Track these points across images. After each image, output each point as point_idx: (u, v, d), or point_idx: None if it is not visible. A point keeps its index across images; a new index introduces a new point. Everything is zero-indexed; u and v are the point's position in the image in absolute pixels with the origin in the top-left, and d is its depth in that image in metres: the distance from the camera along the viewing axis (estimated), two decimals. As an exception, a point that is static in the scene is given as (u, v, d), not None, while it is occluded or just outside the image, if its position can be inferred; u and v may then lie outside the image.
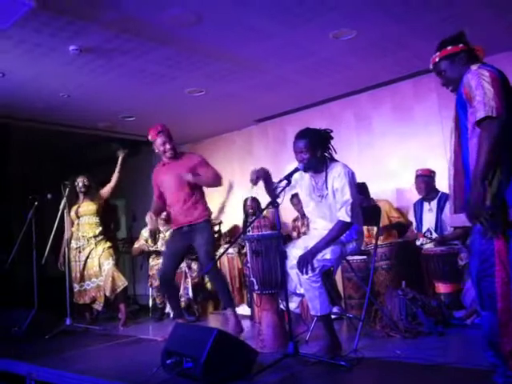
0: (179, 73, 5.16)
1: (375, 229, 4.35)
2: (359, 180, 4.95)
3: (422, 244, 4.88)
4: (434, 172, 5.01)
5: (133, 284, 7.53)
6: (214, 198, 6.59)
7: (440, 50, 2.58)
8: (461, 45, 2.54)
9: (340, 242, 3.44)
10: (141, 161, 8.87)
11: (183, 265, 5.67)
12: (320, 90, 6.04)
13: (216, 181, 4.39)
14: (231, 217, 6.94)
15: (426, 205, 5.02)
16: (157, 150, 4.47)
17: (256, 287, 3.79)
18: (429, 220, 4.95)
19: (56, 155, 8.58)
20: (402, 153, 5.92)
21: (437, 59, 2.59)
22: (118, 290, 5.44)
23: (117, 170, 5.67)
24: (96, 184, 5.82)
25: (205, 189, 4.55)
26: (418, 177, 5.06)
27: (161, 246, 6.12)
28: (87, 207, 5.61)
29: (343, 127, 6.29)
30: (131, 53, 4.56)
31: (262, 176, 3.50)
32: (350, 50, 4.88)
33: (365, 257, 4.69)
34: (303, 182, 3.63)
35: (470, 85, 2.33)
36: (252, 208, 6.16)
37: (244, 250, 5.79)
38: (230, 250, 5.98)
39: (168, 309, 5.81)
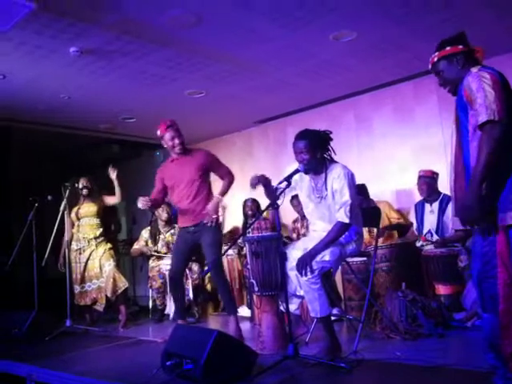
0: (180, 74, 5.17)
1: (376, 230, 4.35)
2: (359, 181, 4.97)
3: (422, 245, 4.88)
4: (436, 174, 5.01)
5: (133, 285, 7.53)
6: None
7: (439, 50, 2.58)
8: (460, 46, 2.53)
9: (339, 244, 3.44)
10: (141, 162, 8.90)
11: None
12: (320, 91, 6.05)
13: (232, 181, 4.43)
14: (231, 218, 6.94)
15: (427, 206, 5.02)
16: (165, 146, 4.41)
17: (256, 289, 3.78)
18: (430, 222, 4.95)
19: (56, 157, 8.58)
20: (403, 154, 5.93)
21: (435, 59, 2.58)
22: (119, 292, 5.43)
23: (116, 189, 5.60)
24: (98, 186, 5.81)
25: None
26: (420, 178, 5.06)
27: (161, 247, 6.12)
28: (88, 209, 5.61)
29: (343, 129, 6.29)
30: (132, 54, 4.57)
31: (262, 182, 3.50)
32: (350, 52, 4.88)
33: (365, 258, 4.69)
34: (303, 184, 3.64)
35: (470, 87, 2.33)
36: (252, 210, 6.15)
37: (244, 252, 5.79)
38: (230, 252, 5.98)
39: (168, 310, 5.81)
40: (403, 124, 5.97)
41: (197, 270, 5.81)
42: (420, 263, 4.67)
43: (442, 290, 4.49)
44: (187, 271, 5.75)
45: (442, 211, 4.87)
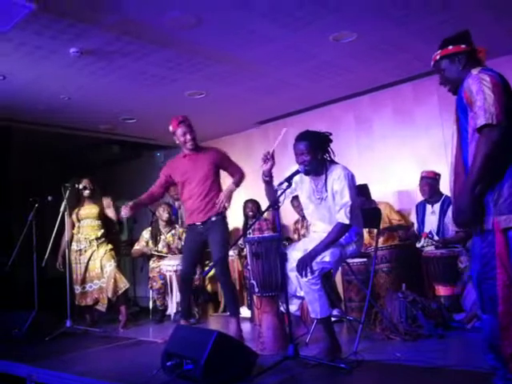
0: (180, 75, 5.17)
1: (376, 231, 4.35)
2: (360, 182, 4.97)
3: (422, 246, 4.88)
4: (438, 175, 5.01)
5: (133, 286, 7.53)
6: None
7: (442, 48, 2.57)
8: (463, 45, 2.51)
9: (339, 245, 3.44)
10: (141, 163, 8.90)
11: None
12: (320, 92, 6.05)
13: (243, 177, 4.40)
14: (231, 219, 6.92)
15: (428, 207, 5.02)
16: (177, 141, 4.37)
17: (256, 289, 3.79)
18: (431, 223, 4.96)
19: (56, 157, 8.58)
20: (403, 155, 5.93)
21: (437, 57, 2.58)
22: (120, 292, 5.43)
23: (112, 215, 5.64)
24: (100, 188, 5.80)
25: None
26: (422, 178, 5.06)
27: (162, 247, 6.12)
28: (90, 210, 5.59)
29: (344, 130, 6.30)
30: (132, 55, 4.57)
31: (272, 163, 3.48)
32: (350, 53, 4.89)
33: (365, 259, 4.69)
34: (303, 185, 3.64)
35: (470, 90, 2.32)
36: (252, 211, 6.16)
37: (244, 253, 5.80)
38: (230, 253, 5.97)
39: (168, 311, 5.81)
40: (403, 125, 5.97)
41: (197, 271, 5.80)
42: (420, 264, 4.67)
43: (441, 290, 4.49)
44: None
45: (443, 213, 4.87)
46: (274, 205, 3.29)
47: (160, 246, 6.13)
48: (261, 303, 3.85)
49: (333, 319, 3.72)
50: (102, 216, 5.63)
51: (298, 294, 3.54)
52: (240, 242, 5.65)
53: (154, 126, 7.01)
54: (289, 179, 3.35)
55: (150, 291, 6.10)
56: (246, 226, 6.16)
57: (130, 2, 3.67)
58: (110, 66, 4.79)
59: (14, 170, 7.66)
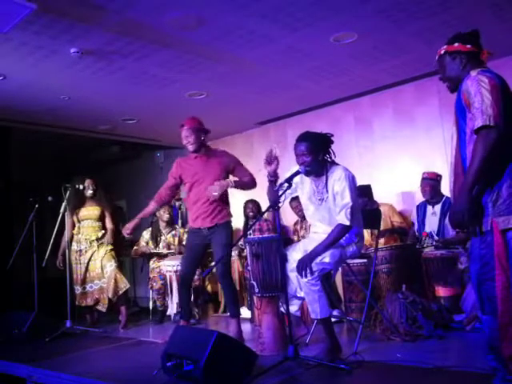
0: (180, 75, 5.17)
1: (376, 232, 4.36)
2: (361, 183, 4.97)
3: (422, 247, 4.87)
4: (440, 176, 5.01)
5: (133, 286, 7.53)
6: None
7: (448, 43, 2.56)
8: (468, 45, 2.50)
9: (339, 246, 3.44)
10: (141, 163, 8.91)
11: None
12: (321, 93, 6.05)
13: (253, 184, 4.35)
14: (232, 219, 6.93)
15: (429, 208, 5.02)
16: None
17: (256, 290, 3.78)
18: (431, 224, 4.95)
19: (57, 157, 8.60)
20: (403, 156, 5.93)
21: (442, 52, 2.57)
22: (121, 292, 5.44)
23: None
24: (103, 190, 5.78)
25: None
26: (423, 179, 5.06)
27: (162, 248, 6.12)
28: (92, 212, 5.58)
29: (344, 130, 6.30)
30: (132, 55, 4.58)
31: (276, 163, 3.50)
32: (350, 54, 4.89)
33: (365, 260, 4.69)
34: (304, 186, 3.64)
35: (468, 91, 2.32)
36: (252, 211, 6.16)
37: (244, 253, 5.80)
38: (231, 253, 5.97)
39: (169, 311, 5.81)
40: (404, 126, 5.97)
41: (197, 272, 5.80)
42: (420, 265, 4.67)
43: (441, 291, 4.48)
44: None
45: (443, 214, 4.86)
46: (275, 205, 3.29)
47: (160, 246, 6.13)
48: (261, 304, 3.85)
49: (333, 320, 3.71)
50: (103, 217, 5.63)
51: (298, 295, 3.54)
52: (240, 242, 5.65)
53: (154, 127, 7.02)
54: (289, 180, 3.35)
55: (150, 291, 6.10)
56: (247, 227, 6.16)
57: (131, 3, 3.67)
58: (111, 66, 4.79)
59: (14, 170, 7.65)
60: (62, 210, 5.41)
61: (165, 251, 6.07)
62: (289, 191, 3.43)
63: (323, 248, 3.34)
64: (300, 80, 5.56)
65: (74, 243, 5.56)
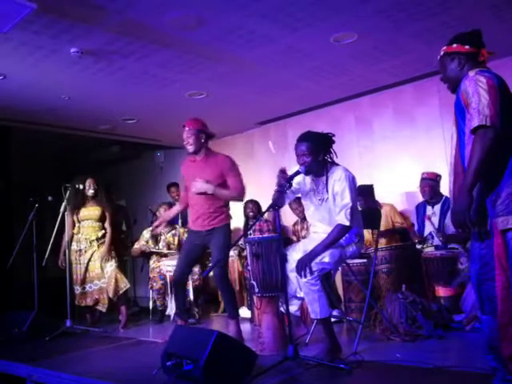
0: (180, 75, 5.17)
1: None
2: (363, 183, 4.98)
3: (422, 247, 4.88)
4: (439, 176, 5.01)
5: (133, 286, 7.53)
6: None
7: (448, 44, 2.56)
8: (467, 46, 2.49)
9: (339, 246, 3.44)
10: (141, 163, 8.91)
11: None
12: (321, 93, 6.06)
13: (238, 196, 4.27)
14: (232, 220, 6.93)
15: (429, 208, 5.02)
16: None
17: (256, 290, 3.79)
18: (431, 224, 4.95)
19: (57, 157, 8.60)
20: (403, 156, 5.93)
21: (442, 53, 2.58)
22: (121, 292, 5.43)
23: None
24: (105, 190, 5.78)
25: None
26: (423, 180, 5.06)
27: (162, 247, 6.12)
28: (93, 212, 5.57)
29: (344, 130, 6.29)
30: (132, 55, 4.58)
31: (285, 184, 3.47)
32: (350, 54, 4.89)
33: (365, 260, 4.69)
34: (305, 186, 3.64)
35: (467, 91, 2.33)
36: (253, 211, 6.16)
37: (244, 253, 5.80)
38: (231, 253, 5.97)
39: (168, 311, 5.81)
40: (404, 126, 5.97)
41: (197, 272, 5.81)
42: (420, 265, 4.67)
43: (441, 291, 4.49)
44: (187, 272, 5.75)
45: (443, 214, 4.87)
46: (275, 205, 3.29)
47: (160, 245, 6.13)
48: (261, 304, 3.85)
49: (333, 320, 3.72)
50: (103, 218, 5.62)
51: (297, 295, 3.54)
52: (240, 242, 5.65)
53: (154, 127, 7.02)
54: (289, 180, 3.35)
55: (150, 291, 6.10)
56: (247, 227, 6.16)
57: (131, 3, 3.68)
58: (111, 66, 4.79)
59: (15, 170, 7.66)
60: (61, 209, 5.41)
61: (165, 250, 6.07)
62: (290, 191, 3.44)
63: (323, 248, 3.35)
64: (300, 80, 5.56)
65: (73, 243, 5.55)
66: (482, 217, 2.30)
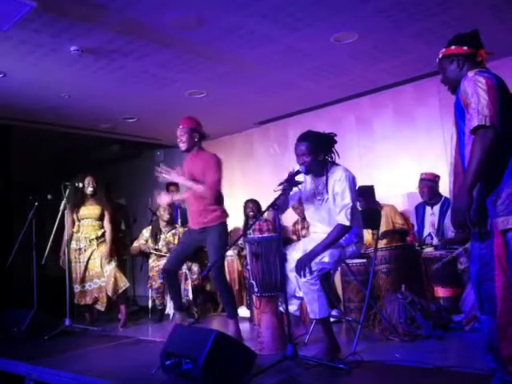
0: (180, 75, 5.18)
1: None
2: (363, 183, 4.98)
3: (422, 247, 4.87)
4: (438, 176, 5.02)
5: (132, 285, 7.53)
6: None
7: (446, 46, 2.56)
8: (465, 47, 2.50)
9: (339, 246, 3.44)
10: (141, 162, 8.90)
11: (183, 266, 5.67)
12: (321, 93, 6.06)
13: (204, 192, 4.18)
14: (232, 219, 6.93)
15: (428, 209, 5.02)
16: None
17: (255, 289, 3.78)
18: (430, 224, 4.95)
19: (57, 156, 8.59)
20: (403, 156, 5.93)
21: (440, 56, 2.59)
22: (120, 291, 5.44)
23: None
24: (105, 188, 5.77)
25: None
26: (421, 180, 5.06)
27: (161, 246, 6.12)
28: (93, 211, 5.57)
29: (344, 131, 6.29)
30: (133, 54, 4.58)
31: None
32: (350, 54, 4.89)
33: (364, 260, 4.69)
34: (305, 186, 3.64)
35: (466, 92, 2.33)
36: (253, 211, 6.16)
37: (244, 253, 5.80)
38: (230, 253, 5.98)
39: (168, 310, 5.82)
40: (404, 126, 5.97)
41: (196, 271, 5.81)
42: (419, 265, 4.67)
43: (441, 292, 4.48)
44: (187, 271, 5.76)
45: (442, 214, 4.87)
46: (274, 205, 3.29)
47: (160, 244, 6.13)
48: (260, 303, 3.85)
49: (332, 320, 3.72)
50: (103, 216, 5.62)
51: (297, 295, 3.54)
52: (240, 241, 5.65)
53: (154, 126, 7.02)
54: (289, 179, 3.35)
55: (150, 290, 6.11)
56: (247, 226, 6.16)
57: (131, 2, 3.68)
58: (111, 64, 4.79)
59: (14, 170, 7.66)
60: (61, 208, 5.41)
61: (164, 250, 6.07)
62: (293, 192, 3.46)
63: (322, 248, 3.35)
64: (300, 80, 5.56)
65: (73, 242, 5.55)
66: (482, 217, 2.30)
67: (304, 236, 5.52)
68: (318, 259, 3.31)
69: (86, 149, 8.44)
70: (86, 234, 5.53)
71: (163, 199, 4.40)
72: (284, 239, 4.78)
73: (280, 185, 3.36)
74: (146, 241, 6.20)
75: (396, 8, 4.01)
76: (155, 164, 8.56)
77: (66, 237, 5.49)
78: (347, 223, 3.36)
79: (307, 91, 5.96)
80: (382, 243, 4.92)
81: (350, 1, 3.86)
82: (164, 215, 6.17)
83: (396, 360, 3.22)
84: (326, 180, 3.48)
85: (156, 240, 6.16)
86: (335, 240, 3.39)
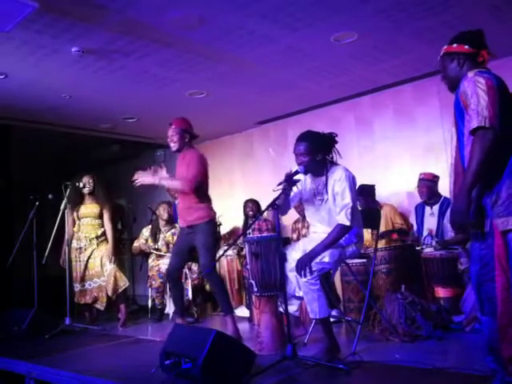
0: (181, 75, 5.18)
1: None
2: (364, 183, 4.98)
3: (422, 248, 4.88)
4: (437, 177, 5.01)
5: (132, 284, 7.53)
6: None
7: (448, 44, 2.56)
8: (466, 46, 2.49)
9: (339, 246, 3.44)
10: (142, 162, 8.89)
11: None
12: (321, 93, 6.06)
13: (181, 187, 4.21)
14: (231, 219, 6.95)
15: (427, 209, 5.02)
16: None
17: (255, 289, 3.78)
18: (430, 224, 4.95)
19: (57, 156, 8.59)
20: (403, 156, 5.93)
21: (442, 53, 2.58)
22: (120, 291, 5.45)
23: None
24: (104, 187, 5.78)
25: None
26: (420, 180, 5.06)
27: (161, 246, 6.12)
28: (91, 210, 5.59)
29: (344, 130, 6.28)
30: (133, 54, 4.58)
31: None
32: (350, 54, 4.89)
33: (364, 260, 4.69)
34: (305, 186, 3.64)
35: (466, 92, 2.32)
36: (252, 210, 6.17)
37: (243, 252, 5.80)
38: (229, 252, 5.98)
39: (167, 309, 5.82)
40: (404, 126, 5.97)
41: (196, 270, 5.81)
42: (420, 265, 4.67)
43: (441, 292, 4.49)
44: (187, 271, 5.77)
45: (442, 214, 4.87)
46: (274, 204, 3.29)
47: (159, 244, 6.13)
48: (259, 303, 3.85)
49: (332, 320, 3.72)
50: (102, 215, 5.63)
51: (296, 294, 3.54)
52: (239, 241, 5.66)
53: (154, 126, 7.01)
54: (288, 179, 3.36)
55: (149, 290, 6.11)
56: (246, 226, 6.17)
57: (132, 2, 3.68)
58: (112, 65, 4.79)
59: (15, 169, 7.66)
60: (62, 207, 5.42)
61: (164, 249, 6.07)
62: (294, 192, 3.46)
63: (323, 248, 3.35)
64: (300, 80, 5.56)
65: (74, 241, 5.56)
66: (479, 218, 2.30)
67: (304, 235, 5.52)
68: (318, 259, 3.31)
69: (86, 149, 8.44)
70: (85, 233, 5.54)
71: (146, 178, 4.29)
72: (283, 239, 4.79)
73: (279, 184, 3.37)
74: (146, 240, 6.21)
75: (396, 8, 4.01)
76: (155, 164, 8.58)
77: (66, 236, 5.49)
78: (347, 223, 3.36)
79: (307, 91, 5.96)
80: (381, 243, 4.92)
81: (349, 1, 3.86)
82: (163, 214, 6.18)
83: (396, 360, 3.22)
84: (326, 180, 3.48)
85: (155, 239, 6.17)
86: (335, 240, 3.39)
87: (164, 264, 5.82)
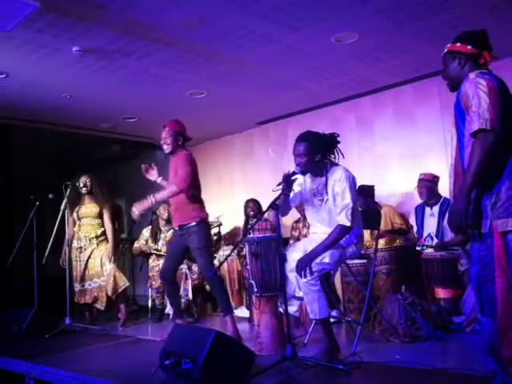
0: (181, 75, 5.18)
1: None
2: (364, 183, 4.98)
3: (422, 248, 4.87)
4: (437, 177, 5.01)
5: (132, 285, 7.53)
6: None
7: (452, 42, 2.55)
8: (469, 46, 2.48)
9: (339, 246, 3.44)
10: (142, 162, 8.86)
11: (183, 266, 5.68)
12: (321, 93, 6.05)
13: (174, 191, 4.19)
14: (232, 219, 6.94)
15: (427, 209, 5.01)
16: None
17: (255, 289, 3.78)
18: (430, 225, 4.95)
19: (57, 155, 8.59)
20: (404, 157, 5.92)
21: (445, 51, 2.58)
22: (120, 290, 5.45)
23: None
24: (103, 187, 5.78)
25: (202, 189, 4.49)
26: (420, 181, 5.06)
27: (161, 246, 6.12)
28: (91, 209, 5.59)
29: (345, 131, 6.26)
30: (134, 54, 4.58)
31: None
32: (351, 54, 4.89)
33: (364, 261, 4.69)
34: (305, 186, 3.64)
35: (467, 94, 2.32)
36: (253, 210, 6.16)
37: (243, 252, 5.80)
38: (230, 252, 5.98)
39: (167, 309, 5.82)
40: (404, 127, 5.96)
41: (196, 271, 5.81)
42: (420, 266, 4.67)
43: (441, 293, 4.49)
44: (187, 271, 5.77)
45: (442, 215, 4.86)
46: (274, 205, 3.29)
47: (159, 244, 6.13)
48: (259, 303, 3.85)
49: (332, 320, 3.72)
50: (102, 215, 5.63)
51: (296, 295, 3.54)
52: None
53: (154, 126, 6.98)
54: (286, 180, 3.35)
55: (149, 290, 6.12)
56: (247, 226, 6.16)
57: (133, 2, 3.68)
58: (112, 65, 4.79)
59: (15, 169, 7.66)
60: (62, 207, 5.42)
61: (164, 249, 6.07)
62: (294, 192, 3.46)
63: (323, 248, 3.34)
64: (300, 80, 5.56)
65: (74, 241, 5.57)
66: (477, 218, 2.30)
67: (305, 235, 5.51)
68: (318, 260, 3.31)
69: (86, 148, 8.43)
70: (85, 232, 5.55)
71: (152, 174, 4.34)
72: (283, 240, 4.79)
73: (279, 185, 3.37)
74: (146, 241, 6.22)
75: (396, 8, 4.00)
76: (155, 164, 8.58)
77: (66, 236, 5.49)
78: (348, 224, 3.36)
79: (307, 91, 5.95)
80: (381, 243, 4.92)
81: (350, 1, 3.86)
82: (163, 214, 6.19)
83: (396, 361, 3.22)
84: (326, 180, 3.48)
85: (156, 240, 6.17)
86: (336, 240, 3.38)
87: (164, 264, 5.83)
